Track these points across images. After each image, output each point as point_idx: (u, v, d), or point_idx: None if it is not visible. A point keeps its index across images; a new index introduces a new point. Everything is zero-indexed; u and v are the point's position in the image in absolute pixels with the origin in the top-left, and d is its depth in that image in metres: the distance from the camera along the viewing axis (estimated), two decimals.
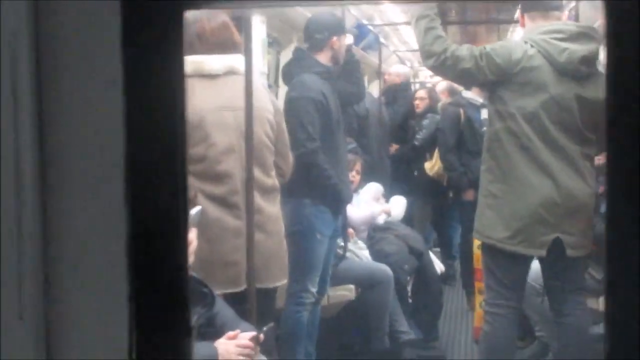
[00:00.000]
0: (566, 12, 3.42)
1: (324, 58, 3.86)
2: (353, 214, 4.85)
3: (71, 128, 0.82)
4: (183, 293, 0.83)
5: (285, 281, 3.20)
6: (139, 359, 0.83)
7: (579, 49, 3.22)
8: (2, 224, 0.81)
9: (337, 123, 3.88)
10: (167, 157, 0.82)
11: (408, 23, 7.68)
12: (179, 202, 0.83)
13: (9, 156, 0.79)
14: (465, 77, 3.53)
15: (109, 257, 0.82)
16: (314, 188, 3.75)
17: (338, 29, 3.93)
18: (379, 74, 7.29)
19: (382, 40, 7.13)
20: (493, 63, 3.24)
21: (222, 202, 2.90)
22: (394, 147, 6.83)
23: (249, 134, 2.84)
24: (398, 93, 6.99)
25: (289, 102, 3.74)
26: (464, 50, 3.28)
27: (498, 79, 3.27)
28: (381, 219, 5.20)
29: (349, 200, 4.15)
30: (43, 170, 0.82)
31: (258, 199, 2.93)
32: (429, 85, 8.21)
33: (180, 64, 0.82)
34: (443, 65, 3.29)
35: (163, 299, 0.83)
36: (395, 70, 7.36)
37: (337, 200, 3.91)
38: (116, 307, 0.82)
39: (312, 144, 3.65)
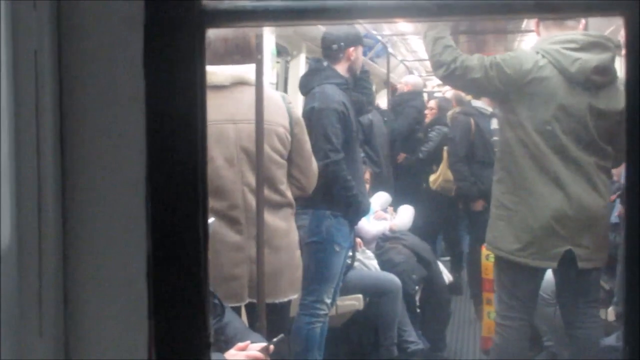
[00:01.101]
0: (583, 21, 3.35)
1: (341, 69, 3.86)
2: (366, 228, 4.86)
3: (93, 144, 0.82)
4: (203, 309, 0.83)
5: (295, 296, 3.16)
6: None
7: (591, 58, 3.17)
8: (23, 242, 0.81)
9: (356, 134, 3.88)
10: (187, 172, 0.82)
11: (416, 33, 7.71)
12: (200, 216, 0.83)
13: (31, 173, 0.80)
14: (475, 87, 3.52)
15: (129, 273, 0.83)
16: (335, 199, 3.74)
17: (354, 39, 3.93)
18: (387, 83, 7.31)
19: (390, 50, 7.14)
20: (503, 73, 3.22)
21: (222, 216, 2.86)
22: (402, 156, 6.83)
23: (259, 148, 2.81)
24: (405, 101, 7.00)
25: (311, 113, 3.70)
26: (474, 60, 3.26)
27: (508, 90, 3.24)
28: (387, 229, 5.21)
29: (367, 212, 4.15)
30: (64, 186, 0.82)
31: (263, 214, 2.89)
32: (438, 94, 8.22)
33: (202, 81, 0.82)
34: (452, 75, 3.28)
35: (183, 315, 0.83)
36: (405, 79, 7.38)
37: (356, 212, 3.91)
38: (136, 323, 0.82)
39: (337, 155, 3.64)
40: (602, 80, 3.19)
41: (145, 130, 0.81)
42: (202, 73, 0.82)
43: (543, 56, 3.22)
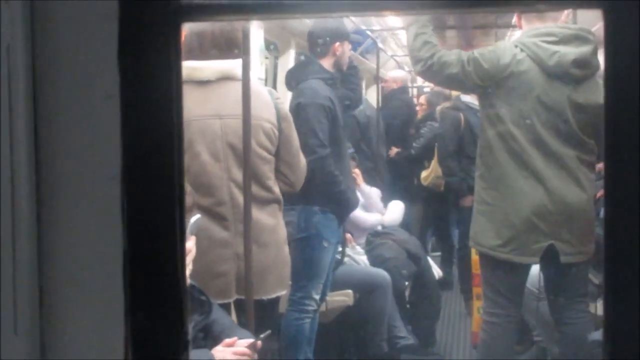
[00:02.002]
0: (565, 13, 3.33)
1: (327, 64, 3.85)
2: (363, 218, 4.86)
3: (67, 140, 0.81)
4: (181, 307, 0.82)
5: (284, 292, 3.15)
6: None
7: (570, 51, 3.15)
8: None
9: (343, 129, 3.87)
10: (164, 168, 0.82)
11: (405, 28, 7.70)
12: (177, 213, 0.82)
13: (5, 168, 0.79)
14: (453, 83, 3.50)
15: (105, 271, 0.82)
16: (323, 195, 3.73)
17: (340, 34, 3.92)
18: (377, 79, 7.30)
19: (380, 45, 7.13)
20: (480, 68, 3.20)
21: (209, 213, 2.84)
22: (393, 151, 6.83)
23: (246, 143, 2.80)
24: (395, 98, 7.00)
25: (298, 108, 3.69)
26: (452, 55, 3.25)
27: (486, 84, 3.22)
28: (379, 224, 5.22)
29: (355, 207, 4.14)
30: (38, 182, 0.81)
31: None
32: (427, 89, 8.22)
33: (178, 76, 0.81)
34: (429, 71, 3.27)
35: (160, 312, 0.82)
36: (391, 76, 7.37)
37: (344, 207, 3.90)
38: (113, 322, 0.81)
39: (324, 150, 3.63)
40: (581, 73, 3.17)
41: (121, 127, 0.80)
42: (178, 68, 0.81)
43: (521, 50, 3.20)
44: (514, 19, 7.72)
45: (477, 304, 4.92)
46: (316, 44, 3.89)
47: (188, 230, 2.14)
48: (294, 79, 3.89)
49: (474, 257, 4.84)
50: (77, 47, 0.80)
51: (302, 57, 4.16)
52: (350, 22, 5.92)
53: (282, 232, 3.06)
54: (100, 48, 0.80)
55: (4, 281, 0.80)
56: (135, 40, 0.80)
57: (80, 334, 0.82)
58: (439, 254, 7.27)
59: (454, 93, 6.40)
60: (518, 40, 3.31)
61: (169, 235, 0.82)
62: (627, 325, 0.79)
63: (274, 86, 5.32)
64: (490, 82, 3.20)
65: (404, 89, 7.18)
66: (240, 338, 2.48)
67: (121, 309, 0.81)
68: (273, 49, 5.30)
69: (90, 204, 0.81)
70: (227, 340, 2.45)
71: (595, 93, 3.17)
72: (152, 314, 0.82)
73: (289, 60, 5.19)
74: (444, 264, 6.78)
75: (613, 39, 0.78)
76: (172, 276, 0.82)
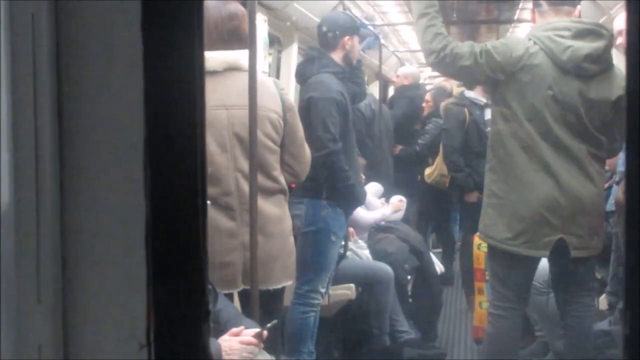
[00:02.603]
0: (579, 8, 3.32)
1: (337, 58, 3.85)
2: (364, 216, 4.87)
3: (91, 107, 0.81)
4: (201, 277, 0.83)
5: (290, 282, 3.14)
6: (156, 342, 0.82)
7: (583, 46, 3.14)
8: (21, 207, 0.80)
9: (352, 124, 3.87)
10: (186, 136, 0.82)
11: (408, 23, 7.71)
12: (198, 182, 0.83)
13: (28, 135, 0.79)
14: (465, 75, 3.49)
15: (127, 240, 0.82)
16: (332, 189, 3.73)
17: (350, 28, 3.92)
18: (379, 74, 7.30)
19: (382, 40, 7.14)
20: (493, 61, 3.20)
21: (215, 202, 2.82)
22: (398, 148, 6.83)
23: (252, 133, 2.79)
24: (407, 93, 6.98)
25: (309, 102, 3.68)
26: (465, 47, 3.24)
27: (498, 77, 3.22)
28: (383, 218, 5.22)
29: (362, 202, 4.14)
30: (62, 149, 0.82)
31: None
32: (430, 86, 8.22)
33: (200, 48, 0.82)
34: (442, 62, 3.26)
35: (182, 283, 0.83)
36: (402, 72, 7.36)
37: (352, 202, 3.90)
38: (135, 291, 0.82)
39: (335, 144, 3.63)
40: (594, 68, 3.16)
41: (144, 95, 0.80)
42: (201, 40, 0.82)
43: (535, 43, 3.19)
44: (516, 14, 7.75)
45: (480, 299, 4.93)
46: (325, 37, 3.88)
47: None
48: (304, 73, 3.88)
49: (476, 251, 4.85)
50: (102, 17, 0.81)
51: (308, 51, 4.14)
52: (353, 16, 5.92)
53: (288, 222, 3.05)
54: (124, 16, 0.80)
55: (27, 250, 0.80)
56: (159, 12, 0.80)
57: (102, 303, 0.83)
58: (439, 250, 7.27)
59: (456, 90, 6.39)
60: (532, 33, 3.29)
61: (191, 205, 0.82)
62: None
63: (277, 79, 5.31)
64: (503, 75, 3.19)
65: (416, 85, 7.16)
66: (246, 327, 2.48)
67: (143, 279, 0.82)
68: (276, 42, 5.30)
69: (113, 171, 0.82)
70: (234, 330, 2.46)
71: (608, 88, 3.16)
72: (174, 284, 0.82)
73: (292, 54, 5.19)
74: (445, 260, 6.78)
75: (636, 28, 0.78)
76: (194, 246, 0.83)
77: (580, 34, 3.15)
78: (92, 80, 0.81)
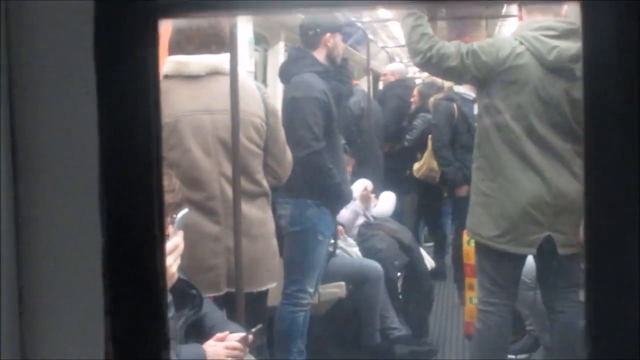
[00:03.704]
0: (565, 7, 3.32)
1: (320, 56, 3.84)
2: (343, 216, 4.86)
3: (44, 139, 0.80)
4: (161, 306, 0.82)
5: (274, 284, 3.15)
6: None
7: (569, 46, 3.15)
8: None
9: (337, 122, 3.87)
10: (142, 166, 0.81)
11: (396, 19, 7.69)
12: (156, 211, 0.82)
13: None
14: (452, 75, 3.51)
15: (84, 271, 0.81)
16: (317, 188, 3.74)
17: (331, 26, 3.90)
18: (367, 70, 7.29)
19: (370, 36, 7.12)
20: (479, 61, 3.21)
21: (200, 207, 2.85)
22: (387, 146, 6.83)
23: (235, 137, 2.79)
24: (396, 91, 6.98)
25: (292, 102, 3.69)
26: (451, 47, 3.25)
27: (485, 77, 3.23)
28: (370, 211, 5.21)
29: (349, 200, 4.14)
30: (16, 182, 0.81)
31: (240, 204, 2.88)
32: (419, 80, 8.21)
33: (155, 74, 0.80)
34: (429, 63, 3.27)
35: (140, 313, 0.82)
36: (389, 68, 7.35)
37: (338, 201, 3.91)
38: (92, 321, 0.81)
39: (318, 144, 3.63)
40: (580, 68, 3.16)
41: (98, 125, 0.79)
42: (155, 65, 0.80)
43: (521, 43, 3.21)
44: (504, 9, 7.73)
45: (470, 294, 4.94)
46: (307, 35, 3.87)
47: (175, 225, 2.14)
48: (287, 72, 3.87)
49: (466, 247, 4.85)
50: (53, 45, 0.80)
51: (291, 50, 4.13)
52: (340, 13, 5.91)
53: (271, 225, 3.07)
54: (76, 46, 0.79)
55: None
56: (112, 38, 0.79)
57: (60, 334, 0.82)
58: (431, 244, 7.28)
59: (447, 84, 6.40)
60: (518, 33, 3.31)
61: (148, 234, 0.81)
62: (610, 318, 0.79)
63: (264, 79, 5.30)
64: (489, 75, 3.21)
65: (401, 81, 7.16)
66: (231, 332, 2.48)
67: (101, 309, 0.81)
68: (262, 41, 5.28)
69: (68, 202, 0.81)
70: (219, 335, 2.45)
71: None
72: (133, 314, 0.81)
73: (278, 53, 5.18)
74: (437, 254, 6.80)
75: (591, 32, 0.78)
76: (152, 275, 0.82)
77: (566, 34, 3.17)
78: (45, 110, 0.80)
